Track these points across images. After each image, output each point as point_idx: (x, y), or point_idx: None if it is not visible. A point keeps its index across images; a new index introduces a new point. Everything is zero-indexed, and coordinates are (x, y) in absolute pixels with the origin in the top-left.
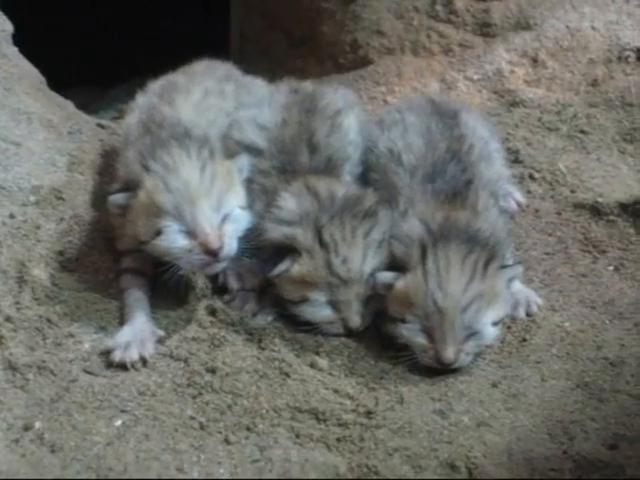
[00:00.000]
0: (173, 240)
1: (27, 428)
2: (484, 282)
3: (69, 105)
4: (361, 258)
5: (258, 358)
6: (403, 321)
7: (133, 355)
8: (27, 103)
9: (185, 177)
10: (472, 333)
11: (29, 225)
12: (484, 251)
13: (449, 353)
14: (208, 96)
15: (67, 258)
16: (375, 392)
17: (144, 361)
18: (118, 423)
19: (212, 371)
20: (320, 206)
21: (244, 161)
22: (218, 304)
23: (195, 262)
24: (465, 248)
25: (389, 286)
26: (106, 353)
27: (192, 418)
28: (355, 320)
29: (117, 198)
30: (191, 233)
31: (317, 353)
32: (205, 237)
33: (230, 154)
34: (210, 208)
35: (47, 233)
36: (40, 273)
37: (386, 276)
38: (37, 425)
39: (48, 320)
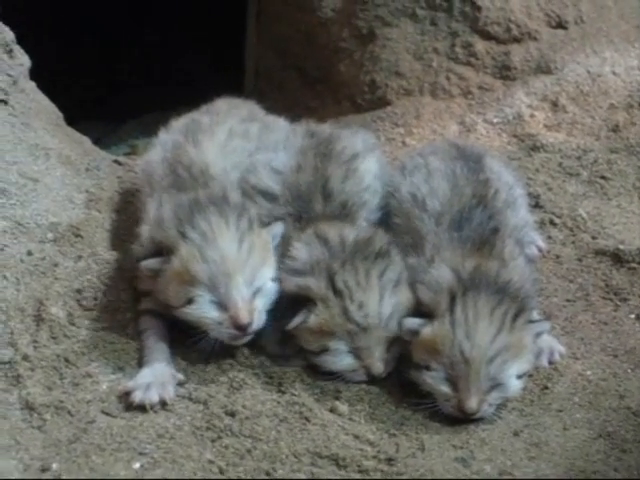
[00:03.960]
0: (204, 311)
1: (44, 469)
2: (512, 335)
3: (86, 141)
4: (378, 301)
5: (278, 402)
6: (427, 368)
7: (153, 398)
8: (45, 139)
9: (223, 248)
10: (496, 384)
11: (47, 263)
12: (514, 303)
13: (472, 403)
14: (232, 137)
15: (85, 297)
16: (396, 438)
17: (164, 404)
18: (136, 466)
19: (231, 414)
20: (331, 253)
21: (279, 229)
22: (237, 347)
23: (224, 334)
24: (494, 299)
25: (415, 332)
26: (125, 394)
27: (211, 462)
28: (378, 367)
29: (150, 264)
30: (223, 305)
31: (337, 398)
32: (237, 312)
33: (264, 223)
34: (244, 282)
35: (65, 271)
36: (58, 311)
37: (412, 322)
38: (54, 466)
39: (66, 359)
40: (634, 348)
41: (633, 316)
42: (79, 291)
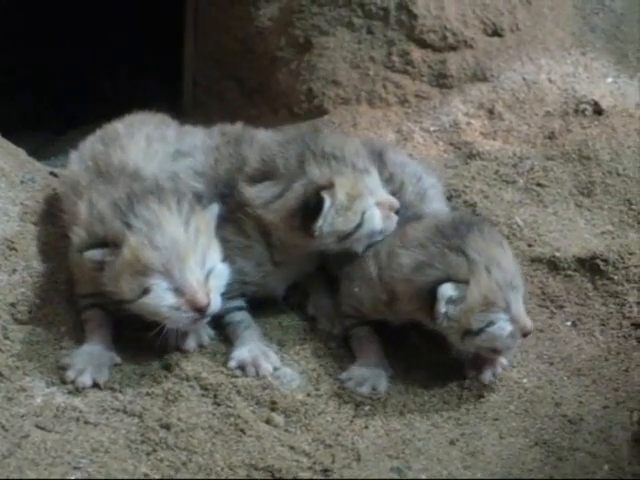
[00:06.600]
0: (162, 298)
1: None
2: (503, 242)
3: (21, 153)
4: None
5: (213, 414)
6: (491, 324)
7: (86, 381)
8: None
9: (170, 233)
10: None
11: None
12: (477, 223)
13: (528, 319)
14: (151, 142)
15: (19, 310)
16: (332, 449)
17: (96, 386)
18: None
19: (167, 427)
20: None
21: (216, 210)
22: (173, 359)
23: (183, 320)
24: (472, 229)
25: (457, 299)
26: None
27: (146, 475)
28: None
29: (94, 254)
30: (179, 290)
31: (273, 409)
32: (193, 294)
33: (203, 205)
34: (196, 264)
35: None
36: None
37: (448, 288)
38: None
39: (0, 374)
40: (570, 355)
41: (569, 323)
42: (13, 305)
